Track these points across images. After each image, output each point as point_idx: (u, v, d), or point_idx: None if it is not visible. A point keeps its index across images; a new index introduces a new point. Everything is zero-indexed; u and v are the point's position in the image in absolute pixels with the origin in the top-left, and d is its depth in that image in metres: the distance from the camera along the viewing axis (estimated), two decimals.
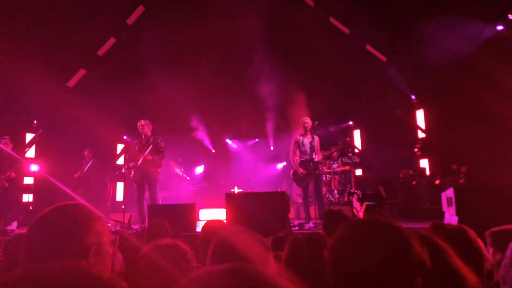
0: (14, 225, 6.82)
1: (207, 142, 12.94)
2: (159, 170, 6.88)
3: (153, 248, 1.77)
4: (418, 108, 10.30)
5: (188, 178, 11.37)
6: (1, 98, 8.29)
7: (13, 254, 2.13)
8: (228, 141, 13.40)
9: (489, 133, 7.49)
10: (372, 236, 0.96)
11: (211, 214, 8.97)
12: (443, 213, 5.59)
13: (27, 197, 8.92)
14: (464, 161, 8.27)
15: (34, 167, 8.30)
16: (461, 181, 7.91)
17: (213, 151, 13.17)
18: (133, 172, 6.56)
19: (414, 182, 8.95)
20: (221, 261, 1.38)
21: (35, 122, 9.44)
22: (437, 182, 8.67)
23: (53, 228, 1.04)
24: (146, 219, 6.18)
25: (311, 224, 6.33)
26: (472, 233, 1.86)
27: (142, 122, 6.79)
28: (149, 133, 6.80)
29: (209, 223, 2.95)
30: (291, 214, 8.44)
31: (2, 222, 6.68)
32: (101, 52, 9.61)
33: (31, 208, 8.39)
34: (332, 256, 0.98)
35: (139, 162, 6.52)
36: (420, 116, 10.29)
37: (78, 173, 8.87)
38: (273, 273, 0.64)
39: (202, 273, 0.62)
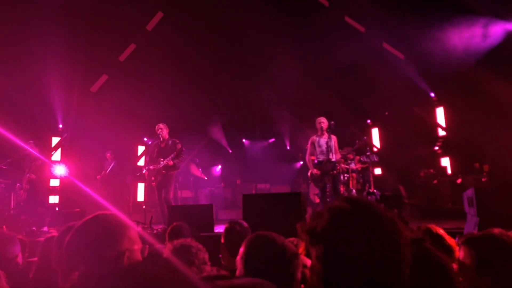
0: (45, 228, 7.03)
1: (223, 142, 13.07)
2: (176, 172, 7.03)
3: (170, 249, 1.85)
4: (438, 105, 10.13)
5: (206, 178, 11.54)
6: (28, 104, 8.63)
7: (47, 256, 2.26)
8: (244, 141, 13.49)
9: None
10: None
11: None
12: (465, 214, 5.50)
13: (54, 199, 9.28)
14: (487, 159, 8.09)
15: (60, 170, 8.48)
16: (483, 179, 7.75)
17: (230, 151, 13.29)
18: (153, 178, 6.73)
19: (435, 181, 8.81)
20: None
21: (60, 126, 9.77)
22: (459, 181, 8.51)
23: (91, 234, 1.15)
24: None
25: None
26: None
27: (161, 125, 6.92)
28: (167, 136, 6.95)
29: (231, 226, 2.99)
30: (309, 215, 8.44)
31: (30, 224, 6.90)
32: (122, 57, 9.87)
33: (57, 209, 8.70)
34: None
35: (161, 166, 6.65)
36: (440, 114, 10.11)
37: (101, 175, 9.14)
38: None
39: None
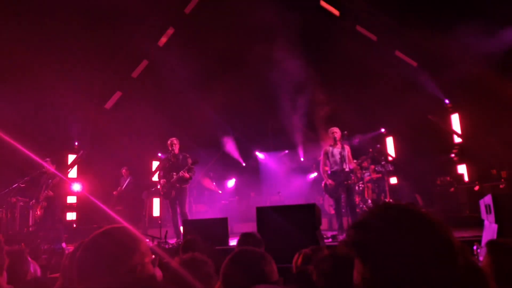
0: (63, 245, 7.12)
1: (237, 155, 13.09)
2: (189, 186, 7.10)
3: (178, 262, 1.88)
4: (453, 112, 9.98)
5: (220, 192, 11.55)
6: (45, 123, 8.85)
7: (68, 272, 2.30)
8: (257, 153, 13.50)
9: None
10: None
11: None
12: (482, 221, 5.37)
13: (71, 216, 9.42)
14: (504, 165, 7.90)
15: (77, 187, 8.67)
16: (501, 186, 7.56)
17: (243, 164, 13.30)
18: (164, 190, 6.80)
19: (452, 189, 8.65)
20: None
21: (76, 143, 9.98)
22: (476, 188, 8.32)
23: (102, 249, 1.17)
24: (181, 234, 6.37)
25: (344, 236, 6.25)
26: None
27: (174, 140, 7.04)
28: (178, 151, 7.03)
29: (244, 238, 2.99)
30: (324, 226, 8.36)
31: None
32: (135, 74, 10.08)
33: (74, 226, 8.83)
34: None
35: (174, 179, 6.74)
36: (455, 121, 9.96)
37: (117, 191, 9.26)
38: None
39: None
